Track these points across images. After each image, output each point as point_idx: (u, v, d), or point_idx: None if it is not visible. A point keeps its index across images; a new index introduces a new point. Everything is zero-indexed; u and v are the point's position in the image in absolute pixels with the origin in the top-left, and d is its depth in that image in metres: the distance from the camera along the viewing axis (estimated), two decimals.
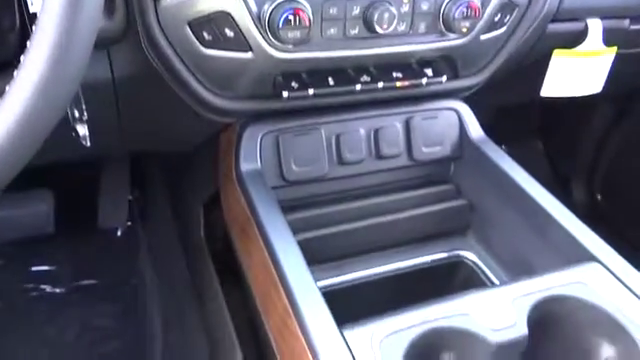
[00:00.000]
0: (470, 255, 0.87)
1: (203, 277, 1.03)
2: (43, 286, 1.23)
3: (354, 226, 0.82)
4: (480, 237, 0.89)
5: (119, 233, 1.32)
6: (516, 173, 0.82)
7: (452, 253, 0.88)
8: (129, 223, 1.33)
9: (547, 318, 0.62)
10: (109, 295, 1.22)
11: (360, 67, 0.76)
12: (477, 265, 0.86)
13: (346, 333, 0.57)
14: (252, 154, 0.78)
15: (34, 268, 1.25)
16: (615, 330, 0.62)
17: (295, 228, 0.74)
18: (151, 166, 1.33)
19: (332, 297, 0.64)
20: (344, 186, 0.86)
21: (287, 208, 0.79)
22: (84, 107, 0.66)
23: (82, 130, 0.68)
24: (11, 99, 0.43)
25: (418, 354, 0.57)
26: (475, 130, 0.89)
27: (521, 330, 0.58)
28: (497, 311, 0.60)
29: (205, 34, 0.68)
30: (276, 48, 0.69)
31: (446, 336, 0.58)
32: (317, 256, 0.79)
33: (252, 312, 0.77)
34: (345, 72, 0.76)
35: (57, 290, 1.23)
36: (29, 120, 0.43)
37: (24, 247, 1.24)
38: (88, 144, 0.67)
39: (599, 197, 1.61)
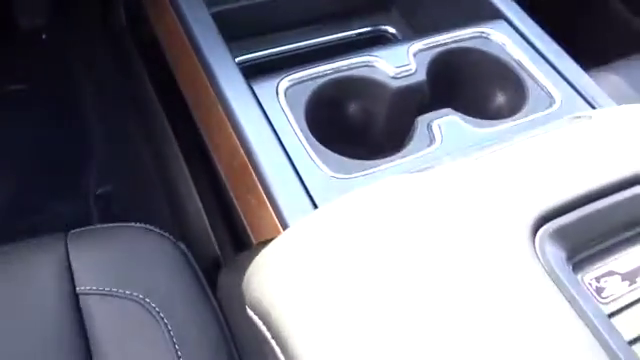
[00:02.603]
0: (392, 29, 0.88)
1: (131, 70, 1.03)
2: None
3: None
4: (403, 11, 0.88)
5: (44, 36, 1.26)
6: None
7: (375, 27, 0.88)
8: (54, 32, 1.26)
9: (448, 68, 0.66)
10: (43, 101, 1.21)
11: None
12: (397, 38, 0.88)
13: (254, 85, 0.60)
14: None
15: None
16: (510, 80, 0.66)
17: (209, 1, 0.72)
18: None
19: (254, 71, 0.65)
20: None
21: None
22: None
23: None
24: None
25: (324, 103, 0.61)
26: None
27: (419, 77, 0.62)
28: (399, 61, 0.63)
29: None
30: None
31: (349, 85, 0.61)
32: (235, 31, 0.78)
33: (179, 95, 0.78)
34: None
35: None
36: None
37: None
38: None
39: None
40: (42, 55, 1.25)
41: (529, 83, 0.64)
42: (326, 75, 0.61)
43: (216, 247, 0.72)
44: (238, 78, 0.60)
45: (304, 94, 0.59)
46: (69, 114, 1.17)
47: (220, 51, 0.64)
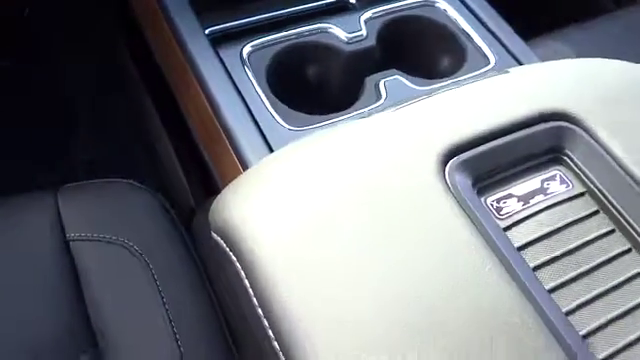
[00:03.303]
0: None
1: (112, 42, 1.09)
2: None
3: None
4: None
5: (26, 11, 1.30)
6: None
7: None
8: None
9: (396, 34, 0.73)
10: (27, 75, 1.25)
11: None
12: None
13: (220, 51, 0.67)
14: None
15: None
16: (452, 44, 0.74)
17: None
18: None
19: (225, 40, 0.72)
20: None
21: None
22: None
23: None
24: None
25: (283, 66, 0.68)
26: None
27: (370, 42, 0.69)
28: (351, 28, 0.70)
29: None
30: None
31: (305, 49, 0.69)
32: (206, 2, 0.84)
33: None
34: None
35: None
36: None
37: None
38: None
39: None
40: (24, 30, 1.29)
41: (468, 46, 0.72)
42: (285, 41, 0.68)
43: (192, 199, 0.79)
44: (205, 44, 0.67)
45: (265, 58, 0.67)
46: (53, 86, 1.22)
47: (189, 21, 0.70)
